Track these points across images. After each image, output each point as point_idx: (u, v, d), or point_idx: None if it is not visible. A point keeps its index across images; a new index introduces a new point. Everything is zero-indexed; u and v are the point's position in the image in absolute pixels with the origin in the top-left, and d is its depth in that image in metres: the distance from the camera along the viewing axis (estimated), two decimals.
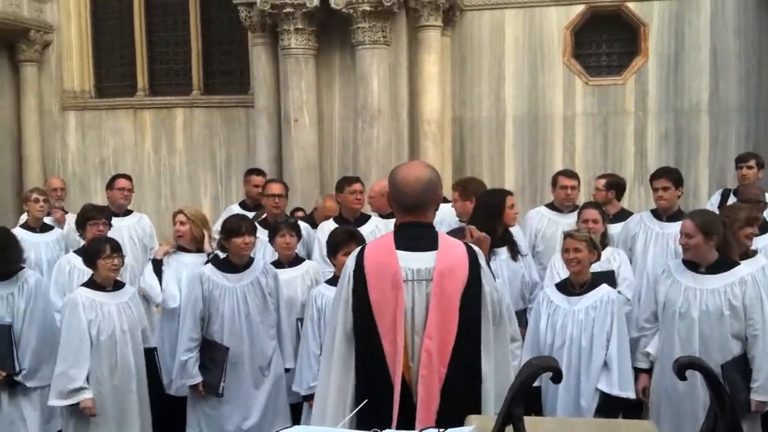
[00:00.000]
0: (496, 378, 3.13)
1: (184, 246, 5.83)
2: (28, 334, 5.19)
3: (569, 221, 6.38)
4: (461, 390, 3.05)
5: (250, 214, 6.58)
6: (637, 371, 4.87)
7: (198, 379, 5.13)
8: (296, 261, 5.72)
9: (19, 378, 5.14)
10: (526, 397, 1.69)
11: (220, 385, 5.10)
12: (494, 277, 3.42)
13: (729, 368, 4.45)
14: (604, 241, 5.55)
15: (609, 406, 4.65)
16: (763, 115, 9.01)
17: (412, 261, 3.10)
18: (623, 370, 4.68)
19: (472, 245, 3.31)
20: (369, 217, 6.62)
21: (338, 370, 3.17)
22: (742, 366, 4.47)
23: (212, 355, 5.12)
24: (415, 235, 3.16)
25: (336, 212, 6.75)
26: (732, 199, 6.54)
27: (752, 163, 6.71)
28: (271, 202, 6.59)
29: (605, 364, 4.69)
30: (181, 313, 5.36)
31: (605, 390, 4.67)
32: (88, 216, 5.90)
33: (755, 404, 4.50)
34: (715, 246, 4.60)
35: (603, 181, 6.72)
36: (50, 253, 6.54)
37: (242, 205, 7.34)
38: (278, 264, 5.58)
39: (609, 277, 5.27)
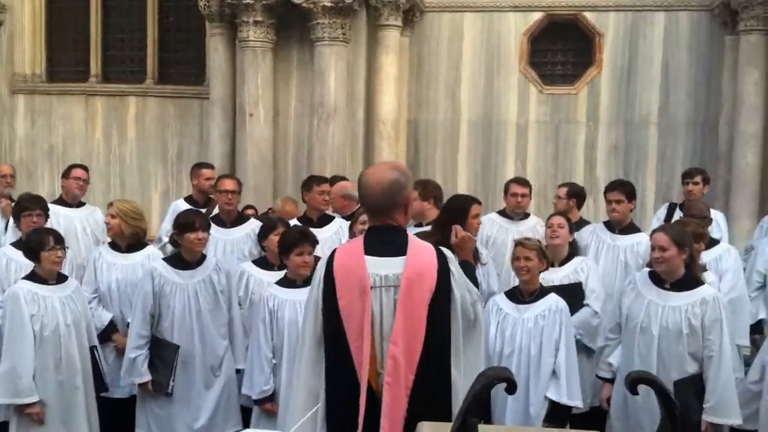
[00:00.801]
0: (468, 383, 3.15)
1: (114, 241, 5.70)
2: None
3: (520, 228, 6.48)
4: (430, 396, 3.07)
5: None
6: (601, 381, 4.97)
7: (147, 377, 5.07)
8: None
9: None
10: (481, 407, 1.73)
11: (169, 383, 5.03)
12: (476, 280, 3.44)
13: (683, 386, 4.46)
14: (572, 250, 5.57)
15: (557, 415, 4.72)
16: (710, 131, 9.23)
17: (381, 267, 3.10)
18: (571, 378, 4.74)
19: (443, 249, 3.31)
20: (333, 218, 6.56)
21: (307, 373, 3.18)
22: (697, 386, 4.48)
23: (162, 353, 5.06)
24: (385, 239, 3.16)
25: (295, 215, 6.69)
26: (678, 214, 6.68)
27: (698, 179, 6.85)
28: (224, 198, 6.47)
29: (554, 373, 4.77)
30: (132, 309, 5.29)
31: (554, 398, 4.73)
32: (22, 206, 5.72)
33: (706, 425, 4.50)
34: (685, 260, 4.63)
35: (565, 190, 6.81)
36: None
37: (189, 200, 7.09)
38: (268, 265, 5.52)
39: (576, 289, 5.31)
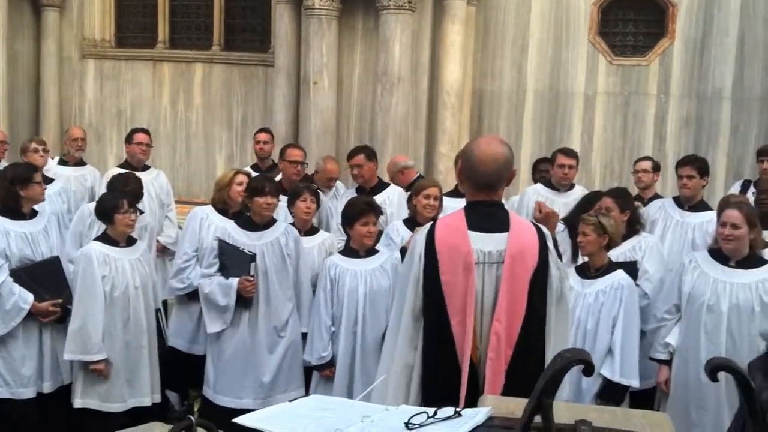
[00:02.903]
0: None
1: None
2: None
3: (565, 200, 6.31)
4: (525, 371, 3.04)
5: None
6: (658, 362, 4.85)
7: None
8: (312, 230, 5.66)
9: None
10: (556, 389, 1.71)
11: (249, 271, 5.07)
12: (561, 255, 3.42)
13: (757, 366, 4.38)
14: (635, 226, 5.40)
15: (610, 393, 4.67)
16: None
17: (484, 243, 3.09)
18: (627, 357, 4.68)
19: (542, 226, 3.30)
20: (387, 185, 6.58)
21: (404, 348, 3.18)
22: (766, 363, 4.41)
23: (236, 257, 5.14)
24: (487, 214, 3.14)
25: (338, 174, 6.77)
26: (752, 191, 6.48)
27: None
28: (292, 168, 6.54)
29: (609, 350, 4.71)
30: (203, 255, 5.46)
31: (608, 376, 4.68)
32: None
33: None
34: (750, 240, 4.53)
35: (649, 163, 6.60)
36: (52, 206, 6.23)
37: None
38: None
39: (630, 268, 5.17)
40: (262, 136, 7.57)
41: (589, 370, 1.59)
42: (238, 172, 5.90)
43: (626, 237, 5.35)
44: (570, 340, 3.34)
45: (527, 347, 3.09)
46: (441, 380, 3.09)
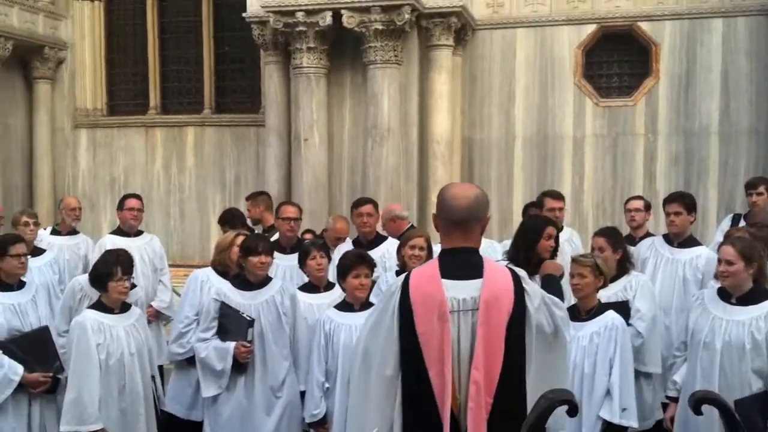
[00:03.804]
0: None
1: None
2: None
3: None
4: (508, 419, 3.01)
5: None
6: (668, 400, 4.86)
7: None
8: (330, 286, 5.58)
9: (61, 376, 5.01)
10: (542, 429, 1.69)
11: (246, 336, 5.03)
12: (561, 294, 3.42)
13: (746, 405, 4.27)
14: (624, 266, 5.37)
15: None
16: None
17: (458, 290, 3.05)
18: (625, 397, 4.62)
19: (516, 269, 3.25)
20: (385, 238, 6.55)
21: (378, 407, 3.12)
22: (761, 403, 4.30)
23: (233, 322, 5.10)
24: (461, 261, 3.10)
25: (346, 233, 6.75)
26: (741, 225, 6.48)
27: (762, 189, 6.64)
28: (286, 225, 6.52)
29: (608, 392, 4.67)
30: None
31: (607, 418, 4.61)
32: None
33: None
34: (754, 275, 4.48)
35: (641, 203, 6.60)
36: (42, 278, 6.19)
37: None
38: (313, 288, 5.48)
39: (622, 308, 5.12)
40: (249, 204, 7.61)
41: (573, 410, 1.58)
42: (238, 234, 5.89)
43: (617, 276, 5.34)
44: (567, 381, 3.27)
45: (508, 393, 3.04)
46: None
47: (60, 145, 11.08)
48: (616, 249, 5.33)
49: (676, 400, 4.80)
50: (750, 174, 8.18)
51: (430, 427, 3.00)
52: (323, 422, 4.98)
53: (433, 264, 3.17)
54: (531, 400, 3.07)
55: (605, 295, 5.19)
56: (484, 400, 3.00)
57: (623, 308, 5.13)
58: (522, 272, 3.24)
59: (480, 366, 2.99)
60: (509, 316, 3.04)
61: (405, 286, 3.12)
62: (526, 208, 7.36)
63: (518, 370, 3.08)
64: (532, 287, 3.19)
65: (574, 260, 4.85)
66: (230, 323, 5.11)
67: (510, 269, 3.20)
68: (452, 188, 3.22)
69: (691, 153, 9.24)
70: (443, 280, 3.06)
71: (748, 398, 4.29)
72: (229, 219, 7.03)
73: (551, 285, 3.45)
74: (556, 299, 3.30)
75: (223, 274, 5.67)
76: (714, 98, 9.17)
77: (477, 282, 3.06)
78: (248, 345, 5.02)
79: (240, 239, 5.63)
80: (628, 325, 5.07)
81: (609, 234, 5.47)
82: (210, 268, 5.82)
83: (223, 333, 5.14)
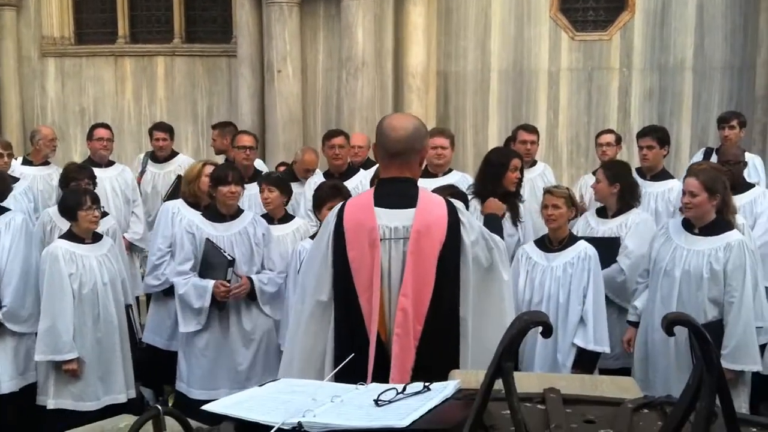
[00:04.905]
0: (488, 331, 3.09)
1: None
2: (10, 272, 5.06)
3: (529, 176, 6.29)
4: (438, 347, 3.08)
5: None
6: (628, 324, 4.99)
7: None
8: (286, 218, 5.65)
9: None
10: (516, 352, 1.72)
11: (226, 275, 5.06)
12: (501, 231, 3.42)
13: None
14: (628, 202, 5.38)
15: (585, 361, 4.75)
16: (747, 74, 8.99)
17: (390, 219, 3.10)
18: (598, 324, 4.76)
19: (453, 201, 3.30)
20: (357, 170, 6.55)
21: (306, 331, 3.20)
22: (716, 332, 4.42)
23: (214, 260, 5.12)
24: (395, 191, 3.15)
25: (315, 165, 6.74)
26: (714, 158, 6.55)
27: (734, 123, 6.72)
28: (241, 153, 6.54)
29: (581, 320, 4.77)
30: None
31: (581, 345, 4.75)
32: (70, 177, 5.79)
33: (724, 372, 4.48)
34: (717, 206, 4.57)
35: (612, 137, 6.70)
36: (18, 205, 6.20)
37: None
38: (268, 220, 5.51)
39: (612, 244, 5.22)
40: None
41: (547, 331, 1.61)
42: (206, 163, 5.85)
43: (618, 212, 5.38)
44: (508, 310, 3.31)
45: (439, 322, 3.09)
46: (353, 357, 3.09)
47: (27, 74, 10.80)
48: (613, 182, 5.34)
49: (636, 324, 4.93)
50: (723, 109, 8.21)
51: (359, 350, 3.03)
52: None
53: (369, 193, 3.26)
54: (473, 328, 3.14)
55: (600, 230, 5.27)
56: (412, 327, 3.05)
57: (613, 244, 5.19)
58: (460, 204, 3.30)
59: (408, 293, 3.05)
60: (441, 245, 3.08)
61: (340, 214, 3.18)
62: (507, 142, 7.39)
63: (450, 299, 3.12)
64: (469, 219, 3.23)
65: (548, 191, 4.91)
66: (212, 261, 5.11)
67: (447, 200, 3.24)
68: (390, 119, 3.27)
69: (665, 88, 9.24)
70: (376, 209, 3.11)
71: (703, 326, 4.37)
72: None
73: (492, 223, 3.50)
74: (496, 238, 3.34)
75: (194, 206, 5.65)
76: (689, 33, 9.13)
77: (410, 211, 3.10)
78: (228, 285, 5.03)
79: (208, 169, 5.61)
80: (615, 261, 5.16)
81: (609, 166, 5.54)
82: (180, 200, 5.80)
83: (204, 269, 5.13)
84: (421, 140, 3.19)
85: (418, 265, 3.06)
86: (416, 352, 3.06)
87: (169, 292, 5.60)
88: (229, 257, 5.06)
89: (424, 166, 3.49)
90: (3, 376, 5.08)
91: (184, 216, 5.59)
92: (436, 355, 3.04)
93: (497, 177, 5.11)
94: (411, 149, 3.14)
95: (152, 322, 5.82)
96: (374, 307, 3.05)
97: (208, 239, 5.13)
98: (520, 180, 5.27)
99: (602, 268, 4.97)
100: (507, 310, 3.29)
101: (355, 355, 3.02)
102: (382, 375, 2.97)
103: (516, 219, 5.19)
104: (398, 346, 3.05)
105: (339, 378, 2.94)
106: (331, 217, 3.25)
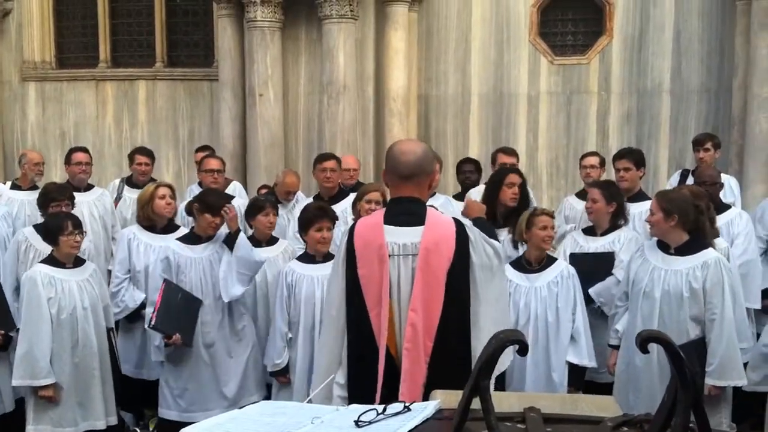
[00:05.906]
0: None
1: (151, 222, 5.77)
2: None
3: None
4: (450, 362, 3.12)
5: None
6: (610, 348, 5.00)
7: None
8: (272, 240, 5.64)
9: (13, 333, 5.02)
10: (492, 370, 1.73)
11: (191, 336, 5.05)
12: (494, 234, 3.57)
13: (685, 350, 4.45)
14: (618, 221, 5.47)
15: (578, 377, 4.85)
16: (723, 96, 9.11)
17: (399, 236, 3.18)
18: (589, 340, 4.87)
19: (461, 219, 3.40)
20: (347, 194, 6.54)
21: (331, 342, 3.29)
22: (699, 350, 4.48)
23: (187, 306, 5.10)
24: (405, 210, 3.23)
25: (296, 188, 6.78)
26: (690, 180, 6.63)
27: (709, 145, 6.79)
28: (209, 177, 6.62)
29: (572, 338, 4.82)
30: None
31: (575, 361, 4.82)
32: (50, 197, 5.77)
33: (710, 389, 4.50)
34: (684, 227, 4.61)
35: (596, 159, 6.75)
36: None
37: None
38: (255, 242, 5.49)
39: (606, 258, 5.30)
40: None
41: (523, 350, 1.62)
42: (159, 185, 5.85)
43: (609, 230, 5.43)
44: (511, 317, 3.42)
45: (450, 338, 3.14)
46: (364, 373, 3.14)
47: (8, 99, 10.77)
48: (610, 202, 5.42)
49: (618, 347, 4.94)
50: (700, 131, 8.30)
51: (369, 366, 3.12)
52: (285, 372, 5.05)
53: (379, 212, 3.35)
54: (485, 338, 3.15)
55: (593, 246, 5.34)
56: (423, 342, 3.10)
57: (607, 258, 5.25)
58: (468, 221, 3.38)
59: (418, 308, 3.11)
60: (450, 262, 3.15)
61: (351, 232, 3.28)
62: (460, 164, 7.52)
63: (461, 316, 3.18)
64: (476, 235, 3.29)
65: (545, 213, 4.99)
66: (177, 313, 5.03)
67: (455, 219, 3.32)
68: (400, 144, 3.37)
69: (643, 111, 9.34)
70: (385, 226, 3.20)
71: (686, 344, 4.44)
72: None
73: (482, 226, 3.57)
74: (495, 242, 3.41)
75: (150, 228, 5.67)
76: (666, 57, 9.25)
77: (419, 229, 3.18)
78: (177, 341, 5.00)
79: (161, 191, 5.63)
80: (611, 274, 5.22)
81: (604, 186, 5.58)
82: (135, 225, 5.81)
83: (173, 318, 5.03)
84: (431, 163, 3.30)
85: (427, 281, 3.13)
86: (428, 368, 3.10)
87: (133, 319, 5.62)
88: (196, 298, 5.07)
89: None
90: (6, 397, 5.10)
91: (142, 241, 5.62)
92: (448, 372, 3.06)
93: (494, 194, 5.28)
94: (422, 171, 3.24)
95: (121, 349, 5.77)
96: (383, 321, 3.12)
97: (166, 280, 5.06)
98: (519, 196, 5.38)
99: (598, 282, 5.17)
100: (506, 310, 3.44)
101: (366, 371, 3.11)
102: (393, 391, 3.02)
103: (517, 240, 5.22)
104: (408, 361, 3.10)
105: (351, 391, 3.01)
106: (343, 236, 3.36)
